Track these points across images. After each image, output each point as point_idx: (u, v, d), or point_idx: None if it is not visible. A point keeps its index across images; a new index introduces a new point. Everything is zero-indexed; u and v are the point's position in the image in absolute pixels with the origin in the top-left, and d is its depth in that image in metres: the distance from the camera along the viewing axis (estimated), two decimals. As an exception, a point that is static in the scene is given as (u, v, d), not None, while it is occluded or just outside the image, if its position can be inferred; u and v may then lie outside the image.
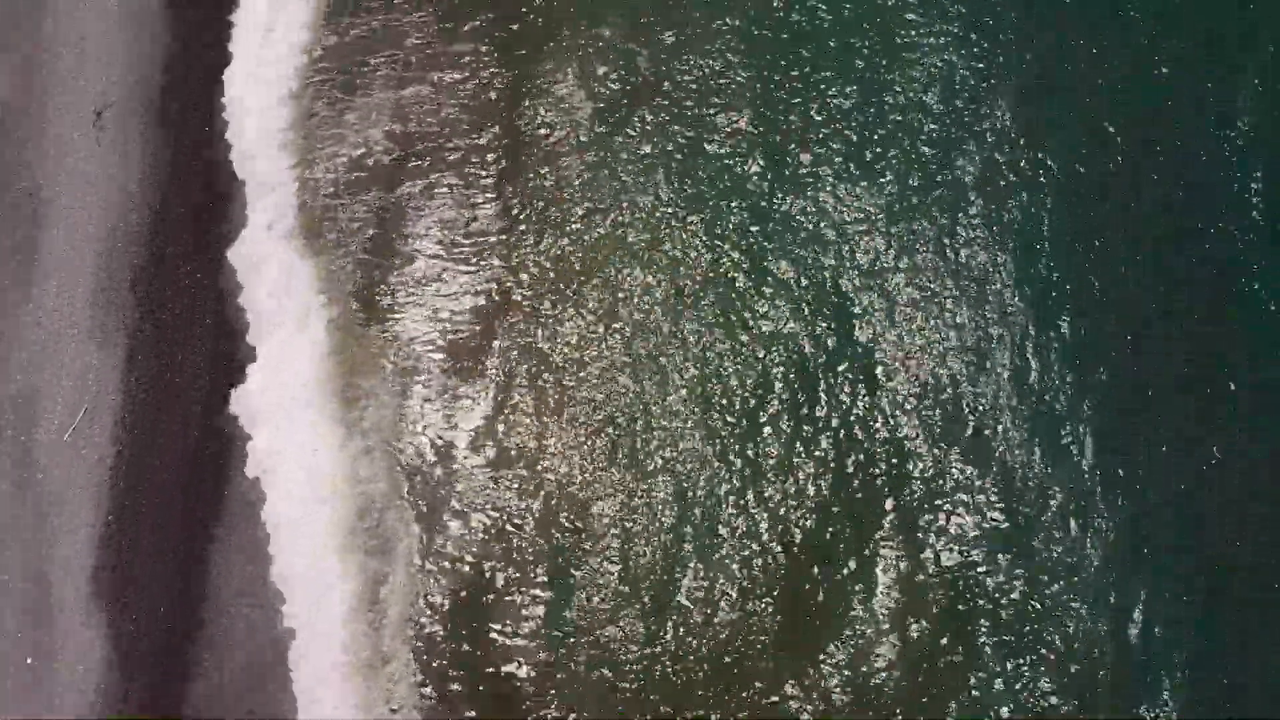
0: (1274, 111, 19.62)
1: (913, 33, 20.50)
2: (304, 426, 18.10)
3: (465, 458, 18.14)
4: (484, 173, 19.92)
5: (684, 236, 19.46)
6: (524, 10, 21.09)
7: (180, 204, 19.92)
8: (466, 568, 17.61)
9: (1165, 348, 18.51)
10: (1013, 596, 17.35)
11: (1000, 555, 17.52)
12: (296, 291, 19.03)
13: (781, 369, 18.56)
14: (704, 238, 19.45)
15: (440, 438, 18.24)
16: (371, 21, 21.18)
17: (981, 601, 17.30)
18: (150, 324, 19.03)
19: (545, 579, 17.52)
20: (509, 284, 19.16)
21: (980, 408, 18.32)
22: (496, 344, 18.76)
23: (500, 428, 18.33)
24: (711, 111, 20.21)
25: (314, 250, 19.43)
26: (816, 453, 18.11)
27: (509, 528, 17.77)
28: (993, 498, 17.79)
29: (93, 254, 19.45)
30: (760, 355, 18.66)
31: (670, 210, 19.57)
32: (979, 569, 17.47)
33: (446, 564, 17.62)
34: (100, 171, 20.04)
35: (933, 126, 19.93)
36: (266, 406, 18.26)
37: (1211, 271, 18.86)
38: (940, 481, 17.91)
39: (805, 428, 18.24)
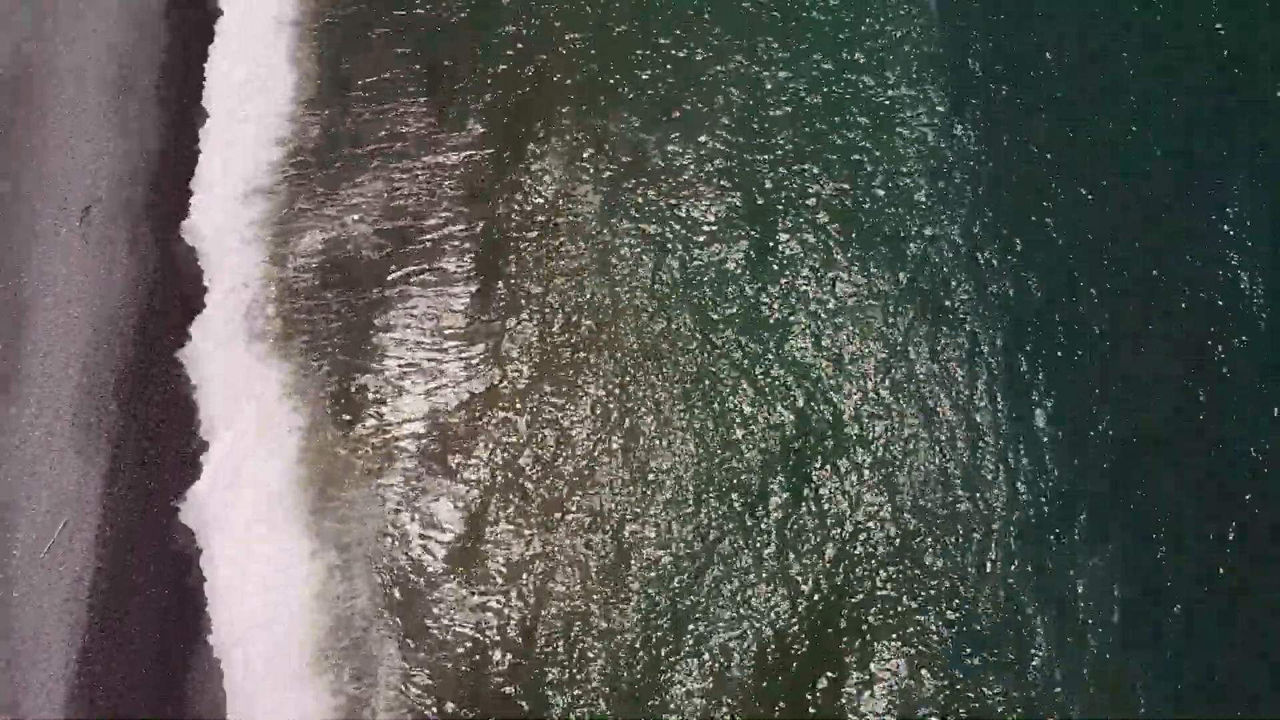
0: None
1: (902, 115, 20.35)
2: (266, 539, 17.35)
3: (450, 570, 17.45)
4: (470, 270, 19.51)
5: (675, 331, 18.89)
6: (515, 100, 20.78)
7: (165, 304, 19.57)
8: (453, 690, 16.78)
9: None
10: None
11: (990, 656, 16.88)
12: (260, 396, 18.32)
13: (774, 466, 17.97)
14: (696, 331, 18.92)
15: (423, 549, 17.58)
16: (357, 111, 20.89)
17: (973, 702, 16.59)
18: (133, 431, 18.59)
19: (540, 700, 16.70)
20: (495, 386, 18.59)
21: (971, 498, 17.75)
22: (482, 449, 18.15)
23: (488, 537, 17.65)
24: (703, 199, 19.88)
25: (282, 352, 18.78)
26: (810, 549, 17.48)
27: (500, 648, 16.98)
28: (983, 591, 17.20)
29: (77, 356, 19.08)
30: (753, 453, 18.07)
31: (661, 304, 19.08)
32: (970, 674, 16.73)
33: (432, 687, 16.77)
34: (86, 270, 19.73)
35: (921, 208, 19.73)
36: (221, 518, 17.47)
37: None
38: (935, 571, 17.30)
39: (799, 524, 17.61)
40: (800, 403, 18.35)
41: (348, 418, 18.29)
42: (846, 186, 19.96)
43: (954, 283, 19.20)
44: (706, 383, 18.55)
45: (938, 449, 18.01)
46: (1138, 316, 18.95)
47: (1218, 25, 21.19)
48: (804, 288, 19.19)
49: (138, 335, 19.35)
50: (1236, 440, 18.08)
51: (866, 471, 17.90)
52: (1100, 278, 19.17)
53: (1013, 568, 17.28)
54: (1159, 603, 17.10)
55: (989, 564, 17.34)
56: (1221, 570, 17.29)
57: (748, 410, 18.34)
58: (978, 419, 18.23)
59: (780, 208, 19.80)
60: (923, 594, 17.15)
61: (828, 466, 17.94)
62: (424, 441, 18.19)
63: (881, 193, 19.84)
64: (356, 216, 19.82)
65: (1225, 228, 19.39)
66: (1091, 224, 19.58)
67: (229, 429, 18.09)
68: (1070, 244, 19.43)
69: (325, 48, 21.43)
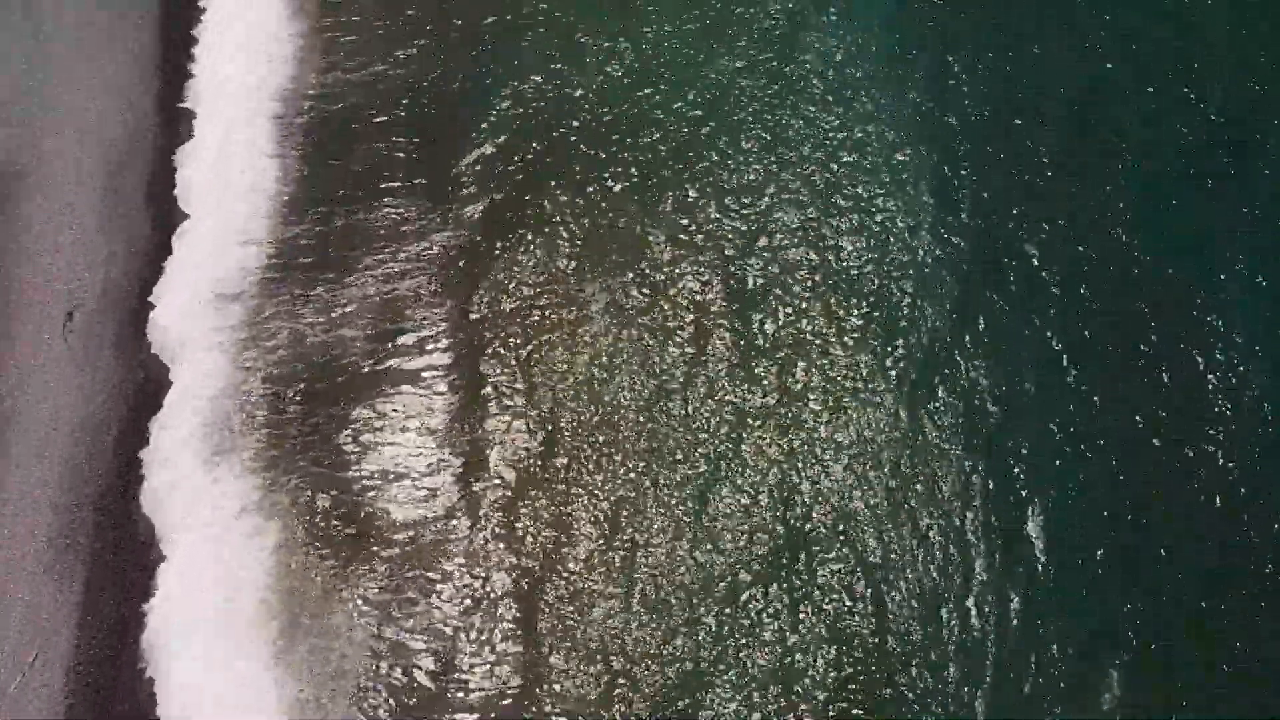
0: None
1: (891, 206, 20.29)
2: (227, 669, 16.42)
3: (432, 701, 16.59)
4: (454, 378, 18.92)
5: (667, 433, 18.39)
6: (505, 197, 20.43)
7: (138, 414, 19.10)
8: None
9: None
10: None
11: None
12: (221, 513, 17.51)
13: (772, 571, 17.39)
14: (689, 432, 18.43)
15: (402, 678, 16.73)
16: (340, 211, 20.52)
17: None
18: (110, 553, 18.08)
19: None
20: (479, 501, 17.95)
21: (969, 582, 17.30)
22: (465, 570, 17.47)
23: (473, 663, 16.90)
24: (695, 293, 19.54)
25: (248, 465, 18.00)
26: (807, 660, 16.83)
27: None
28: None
29: (54, 472, 18.59)
30: (750, 559, 17.45)
31: (653, 405, 18.60)
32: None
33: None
34: (67, 379, 19.28)
35: (911, 300, 19.53)
36: (174, 646, 16.60)
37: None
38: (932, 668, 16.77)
39: (796, 630, 17.03)
40: (797, 501, 17.79)
41: (319, 536, 17.54)
42: (838, 277, 19.66)
43: (945, 373, 18.81)
44: (698, 486, 17.94)
45: (937, 549, 17.42)
46: (1145, 412, 18.61)
47: (1215, 91, 21.14)
48: (798, 380, 18.79)
49: (116, 447, 18.89)
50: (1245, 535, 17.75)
51: (864, 575, 17.32)
52: (1101, 374, 18.93)
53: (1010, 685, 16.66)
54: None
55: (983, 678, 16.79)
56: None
57: (741, 513, 17.76)
58: (978, 513, 17.73)
59: (773, 301, 19.45)
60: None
61: (826, 567, 17.38)
62: (402, 563, 17.53)
63: (870, 281, 19.61)
64: (334, 320, 19.32)
65: (1225, 315, 19.23)
66: (1087, 324, 19.34)
67: (187, 549, 17.36)
68: (1066, 337, 19.19)
69: (309, 145, 21.09)
